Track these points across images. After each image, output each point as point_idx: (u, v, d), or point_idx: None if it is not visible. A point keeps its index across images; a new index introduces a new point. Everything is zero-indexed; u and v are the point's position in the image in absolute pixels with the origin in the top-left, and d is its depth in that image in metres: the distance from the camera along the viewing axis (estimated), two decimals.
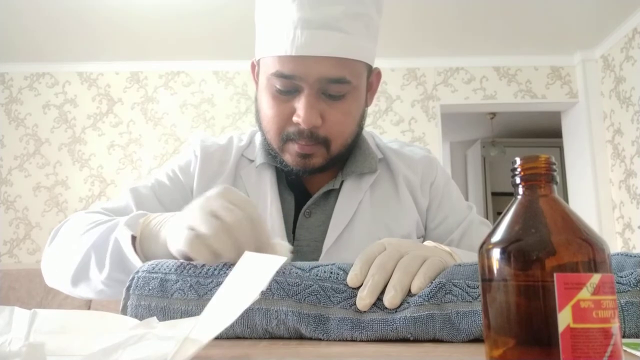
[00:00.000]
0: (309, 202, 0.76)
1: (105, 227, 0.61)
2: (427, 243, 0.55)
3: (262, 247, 0.49)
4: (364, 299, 0.42)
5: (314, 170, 0.73)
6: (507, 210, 0.30)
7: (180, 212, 0.54)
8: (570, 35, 3.20)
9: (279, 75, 0.66)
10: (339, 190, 0.77)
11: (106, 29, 3.02)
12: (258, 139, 0.82)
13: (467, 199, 5.50)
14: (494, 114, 4.73)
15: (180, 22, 2.96)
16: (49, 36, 3.12)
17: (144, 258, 0.55)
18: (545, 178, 0.30)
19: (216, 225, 0.46)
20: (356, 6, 0.66)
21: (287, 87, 0.67)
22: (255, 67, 0.77)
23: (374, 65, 0.74)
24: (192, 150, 0.82)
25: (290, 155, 0.71)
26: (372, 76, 0.75)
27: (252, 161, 0.80)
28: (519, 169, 0.31)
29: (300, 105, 0.67)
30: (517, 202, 0.30)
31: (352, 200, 0.76)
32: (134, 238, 0.56)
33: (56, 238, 0.69)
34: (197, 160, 0.80)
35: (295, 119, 0.68)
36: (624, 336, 0.38)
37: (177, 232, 0.49)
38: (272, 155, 0.75)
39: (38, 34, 3.08)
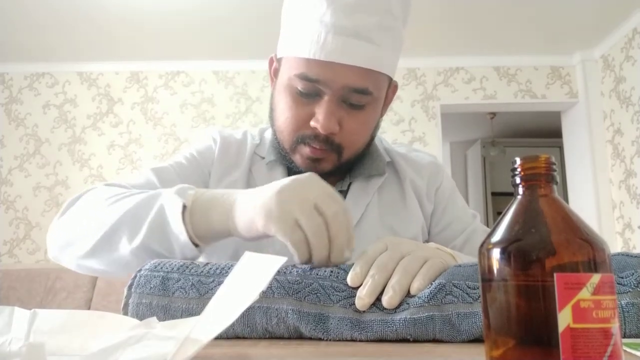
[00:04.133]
0: None
1: (144, 196, 0.59)
2: (430, 244, 0.55)
3: (349, 238, 0.50)
4: (362, 299, 0.42)
5: (322, 175, 0.73)
6: (507, 210, 0.30)
7: (259, 189, 0.53)
8: (570, 35, 3.20)
9: (303, 78, 0.66)
10: (346, 192, 0.77)
11: (106, 28, 3.02)
12: (268, 136, 0.82)
13: (467, 199, 5.50)
14: (494, 114, 4.73)
15: (181, 22, 2.96)
16: (48, 36, 3.12)
17: (192, 230, 0.54)
18: (545, 178, 0.30)
19: (319, 222, 0.48)
20: (388, 19, 0.66)
21: (309, 90, 0.67)
22: (273, 63, 0.76)
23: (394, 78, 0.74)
24: (210, 137, 0.82)
25: (301, 157, 0.71)
26: (390, 88, 0.75)
27: (262, 158, 0.80)
28: (519, 169, 0.31)
29: (320, 110, 0.67)
30: (517, 202, 0.30)
31: (360, 202, 0.75)
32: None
33: (73, 208, 0.65)
34: (216, 146, 0.80)
35: (312, 123, 0.68)
36: (624, 338, 0.37)
37: (272, 213, 0.49)
38: (282, 154, 0.75)
39: (38, 33, 3.08)
